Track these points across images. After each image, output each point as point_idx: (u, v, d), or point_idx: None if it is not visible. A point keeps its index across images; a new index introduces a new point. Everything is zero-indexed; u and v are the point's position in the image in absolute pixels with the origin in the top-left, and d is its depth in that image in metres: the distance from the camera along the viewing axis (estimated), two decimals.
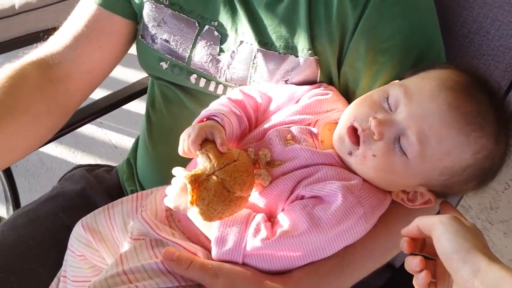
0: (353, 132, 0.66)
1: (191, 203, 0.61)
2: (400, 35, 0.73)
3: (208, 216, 0.62)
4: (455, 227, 0.49)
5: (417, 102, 0.64)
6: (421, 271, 0.53)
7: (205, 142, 0.66)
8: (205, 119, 0.71)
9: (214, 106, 0.76)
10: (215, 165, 0.63)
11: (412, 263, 0.53)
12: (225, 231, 0.64)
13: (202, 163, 0.64)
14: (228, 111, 0.73)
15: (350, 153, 0.67)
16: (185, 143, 0.67)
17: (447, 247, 0.48)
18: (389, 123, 0.64)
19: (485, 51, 0.85)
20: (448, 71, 0.67)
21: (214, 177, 0.62)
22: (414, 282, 0.53)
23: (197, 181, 0.62)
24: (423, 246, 0.57)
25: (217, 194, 0.61)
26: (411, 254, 0.55)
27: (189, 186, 0.61)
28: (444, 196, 0.70)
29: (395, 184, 0.68)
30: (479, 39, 0.85)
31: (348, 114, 0.69)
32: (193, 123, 0.71)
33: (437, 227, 0.50)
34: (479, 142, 0.63)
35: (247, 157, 0.67)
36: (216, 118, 0.70)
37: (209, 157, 0.64)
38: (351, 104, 0.71)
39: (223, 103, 0.76)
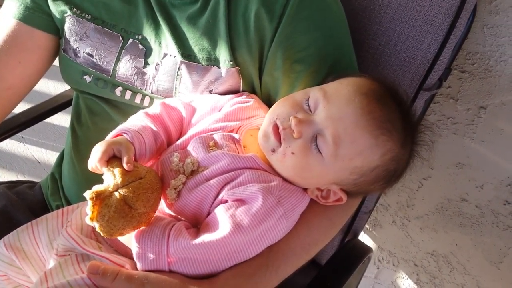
0: (277, 130, 0.70)
1: (91, 219, 0.62)
2: (314, 45, 0.78)
3: (108, 232, 0.62)
4: None
5: (334, 104, 0.69)
6: None
7: (113, 159, 0.67)
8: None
9: (129, 122, 0.76)
10: (119, 183, 0.63)
11: None
12: (144, 243, 0.64)
13: (107, 180, 0.65)
14: (143, 126, 0.74)
15: (273, 150, 0.70)
16: (91, 159, 0.67)
17: None
18: (308, 122, 0.68)
19: (394, 62, 0.92)
20: (363, 79, 0.74)
21: (116, 194, 0.63)
22: None
23: (99, 198, 0.62)
24: None
25: (117, 211, 0.61)
26: None
27: (89, 203, 0.61)
28: (355, 195, 0.75)
29: (310, 182, 0.72)
30: (388, 51, 0.93)
31: (271, 112, 0.73)
32: (105, 138, 0.71)
33: None
34: (386, 145, 0.69)
35: (155, 175, 0.68)
36: (125, 135, 0.70)
37: (114, 174, 0.64)
38: (275, 103, 0.75)
39: (139, 118, 0.77)
